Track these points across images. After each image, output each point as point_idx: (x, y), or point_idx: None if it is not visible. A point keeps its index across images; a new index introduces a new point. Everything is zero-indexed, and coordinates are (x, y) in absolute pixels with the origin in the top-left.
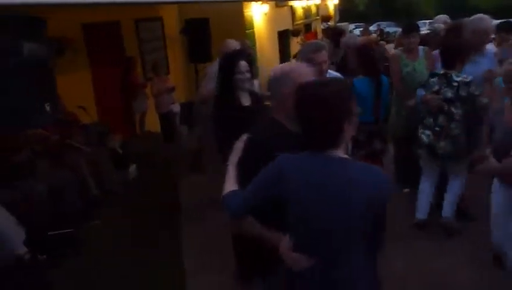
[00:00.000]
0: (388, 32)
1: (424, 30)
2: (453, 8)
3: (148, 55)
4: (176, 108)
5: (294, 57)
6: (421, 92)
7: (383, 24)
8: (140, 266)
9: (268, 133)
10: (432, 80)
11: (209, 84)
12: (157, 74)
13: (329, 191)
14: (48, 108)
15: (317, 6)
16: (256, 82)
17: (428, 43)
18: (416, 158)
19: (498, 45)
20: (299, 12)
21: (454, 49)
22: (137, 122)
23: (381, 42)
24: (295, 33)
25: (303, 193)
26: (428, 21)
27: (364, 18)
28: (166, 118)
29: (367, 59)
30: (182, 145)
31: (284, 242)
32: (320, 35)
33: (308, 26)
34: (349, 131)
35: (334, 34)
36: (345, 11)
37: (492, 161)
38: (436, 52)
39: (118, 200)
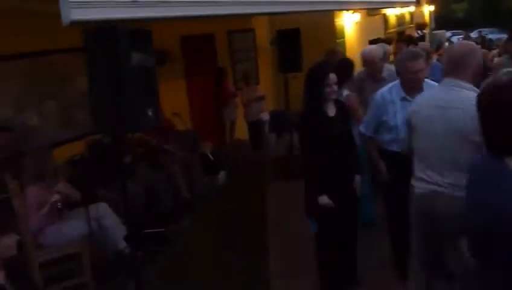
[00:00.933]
0: (491, 40)
1: None
2: None
3: (239, 65)
4: (265, 116)
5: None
6: None
7: (485, 31)
8: (225, 268)
9: None
10: None
11: None
12: (248, 83)
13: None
14: (150, 114)
15: (412, 14)
16: (345, 91)
17: None
18: None
19: None
20: (392, 20)
21: None
22: (227, 130)
23: (483, 50)
24: (387, 42)
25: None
26: None
27: (463, 25)
28: (255, 126)
29: None
30: (269, 153)
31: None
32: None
33: (401, 35)
34: None
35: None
36: (442, 18)
37: None
38: None
39: (207, 204)
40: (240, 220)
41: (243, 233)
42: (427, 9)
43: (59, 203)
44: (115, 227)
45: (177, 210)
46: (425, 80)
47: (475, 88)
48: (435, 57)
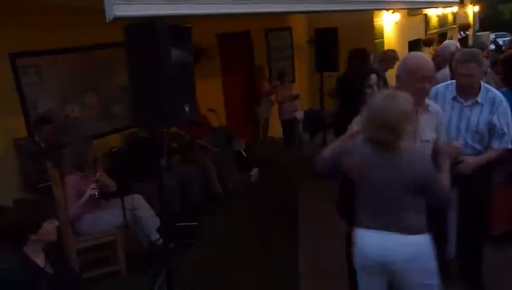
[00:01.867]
0: None
1: None
2: None
3: (275, 63)
4: (300, 115)
5: None
6: None
7: None
8: (254, 264)
9: None
10: None
11: None
12: (283, 81)
13: None
14: (187, 109)
15: (455, 14)
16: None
17: None
18: None
19: None
20: (434, 20)
21: None
22: (261, 128)
23: None
24: (427, 43)
25: None
26: None
27: (509, 27)
28: (288, 124)
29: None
30: (302, 152)
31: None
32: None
33: (443, 36)
34: None
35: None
36: (487, 19)
37: None
38: None
39: (239, 200)
40: (271, 218)
41: (273, 231)
42: (471, 10)
43: (97, 193)
44: (149, 219)
45: (209, 205)
46: (485, 85)
47: None
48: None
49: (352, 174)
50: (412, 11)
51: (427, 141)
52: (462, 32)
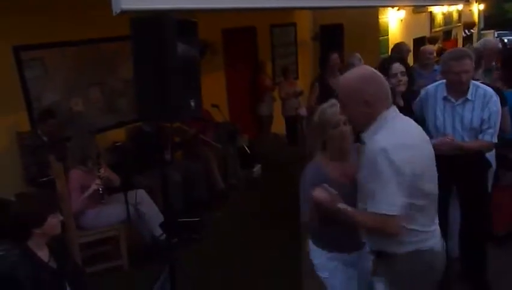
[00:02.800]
0: None
1: None
2: None
3: (279, 59)
4: (303, 112)
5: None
6: None
7: None
8: (256, 259)
9: None
10: None
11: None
12: (287, 77)
13: None
14: (192, 104)
15: (460, 12)
16: None
17: None
18: None
19: None
20: (439, 18)
21: None
22: (263, 124)
23: None
24: (432, 40)
25: None
26: None
27: None
28: (291, 121)
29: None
30: (306, 149)
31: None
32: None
33: (447, 33)
34: None
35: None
36: (491, 18)
37: None
38: None
39: (242, 196)
40: (273, 214)
41: (275, 227)
42: (476, 8)
43: (101, 188)
44: (152, 214)
45: (211, 200)
46: (475, 82)
47: None
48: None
49: None
50: (417, 9)
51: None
52: (466, 31)
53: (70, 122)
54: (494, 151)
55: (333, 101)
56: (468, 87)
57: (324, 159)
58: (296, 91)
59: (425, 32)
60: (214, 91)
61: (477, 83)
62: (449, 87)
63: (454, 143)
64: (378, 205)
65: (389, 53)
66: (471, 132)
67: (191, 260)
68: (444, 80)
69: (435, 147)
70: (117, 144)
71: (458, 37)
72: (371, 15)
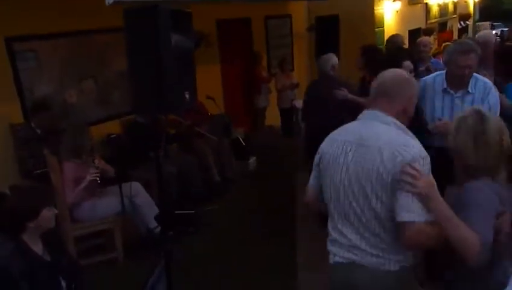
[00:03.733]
0: None
1: None
2: None
3: (275, 51)
4: (298, 104)
5: (434, 56)
6: None
7: None
8: (251, 252)
9: None
10: None
11: None
12: (283, 69)
13: None
14: (187, 96)
15: (455, 4)
16: None
17: None
18: None
19: None
20: (434, 10)
21: None
22: (259, 116)
23: None
24: (427, 32)
25: None
26: None
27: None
28: (287, 113)
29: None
30: (301, 141)
31: None
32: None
33: (443, 25)
34: None
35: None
36: (487, 9)
37: None
38: None
39: (237, 188)
40: (269, 207)
41: (270, 220)
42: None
43: (98, 178)
44: (147, 206)
45: (207, 193)
46: (476, 75)
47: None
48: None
49: None
50: (413, 0)
51: None
52: (462, 22)
53: (64, 114)
54: None
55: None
56: (469, 80)
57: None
58: (293, 83)
59: (421, 24)
60: (209, 83)
61: (476, 75)
62: (450, 79)
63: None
64: None
65: (384, 45)
66: None
67: (186, 253)
68: (443, 71)
69: (432, 131)
70: (111, 136)
71: (453, 28)
72: (366, 6)
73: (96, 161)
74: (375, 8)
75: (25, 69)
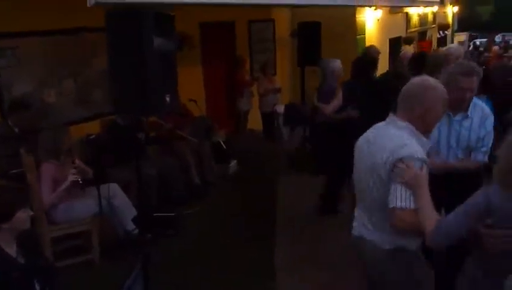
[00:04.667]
0: None
1: None
2: None
3: (257, 55)
4: (280, 108)
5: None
6: None
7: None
8: (231, 256)
9: None
10: None
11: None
12: (266, 73)
13: None
14: (168, 99)
15: (435, 14)
16: None
17: None
18: None
19: None
20: (414, 19)
21: None
22: (241, 119)
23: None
24: (408, 41)
25: None
26: None
27: (486, 28)
28: (269, 117)
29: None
30: (282, 145)
31: None
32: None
33: (423, 34)
34: None
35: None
36: (464, 20)
37: None
38: None
39: (217, 192)
40: (249, 210)
41: (250, 223)
42: (451, 10)
43: (80, 179)
44: (125, 208)
45: (187, 196)
46: (474, 99)
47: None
48: None
49: None
50: (394, 9)
51: None
52: (441, 32)
53: (43, 114)
54: None
55: None
56: (469, 104)
57: None
58: (275, 88)
59: (402, 32)
60: (191, 85)
61: (475, 99)
62: (453, 101)
63: (448, 165)
64: None
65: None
66: (466, 150)
67: (165, 256)
68: None
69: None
70: (91, 137)
71: (433, 38)
72: (348, 13)
73: (76, 162)
74: (356, 15)
75: (4, 67)
